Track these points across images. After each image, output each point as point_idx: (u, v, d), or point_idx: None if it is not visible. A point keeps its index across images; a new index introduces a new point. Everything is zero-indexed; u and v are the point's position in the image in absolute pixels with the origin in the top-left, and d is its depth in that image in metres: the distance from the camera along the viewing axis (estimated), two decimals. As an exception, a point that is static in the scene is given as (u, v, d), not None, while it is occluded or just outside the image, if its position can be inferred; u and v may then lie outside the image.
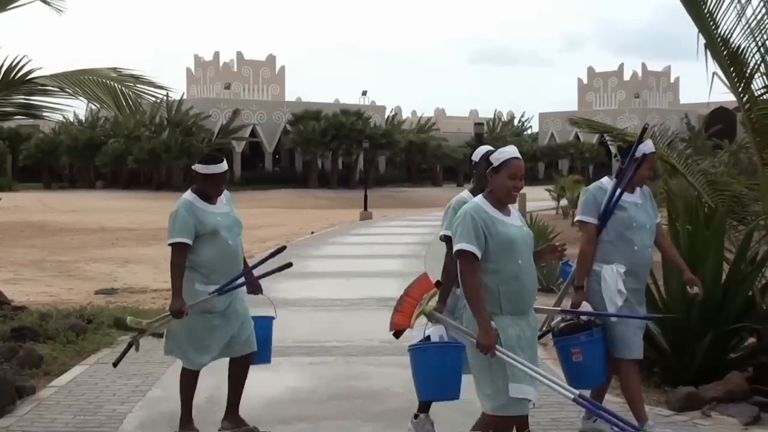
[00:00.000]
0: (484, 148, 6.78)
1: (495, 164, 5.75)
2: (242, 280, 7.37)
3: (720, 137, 48.35)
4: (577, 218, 7.19)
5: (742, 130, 9.68)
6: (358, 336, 11.47)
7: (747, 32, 8.84)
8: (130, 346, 7.44)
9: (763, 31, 8.85)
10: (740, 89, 8.97)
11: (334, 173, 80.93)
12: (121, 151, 74.29)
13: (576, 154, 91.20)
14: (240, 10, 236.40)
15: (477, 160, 6.82)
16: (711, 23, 8.83)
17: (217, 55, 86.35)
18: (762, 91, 9.07)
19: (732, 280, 8.73)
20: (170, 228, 7.15)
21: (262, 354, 7.59)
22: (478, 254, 5.63)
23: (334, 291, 15.84)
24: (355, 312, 13.55)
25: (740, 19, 8.81)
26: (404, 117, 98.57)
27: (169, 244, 7.14)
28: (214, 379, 9.04)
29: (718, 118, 73.36)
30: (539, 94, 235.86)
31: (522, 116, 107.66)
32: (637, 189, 7.19)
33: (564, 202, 41.99)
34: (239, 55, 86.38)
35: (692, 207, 9.17)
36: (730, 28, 8.84)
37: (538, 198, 47.32)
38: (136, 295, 15.60)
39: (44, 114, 11.93)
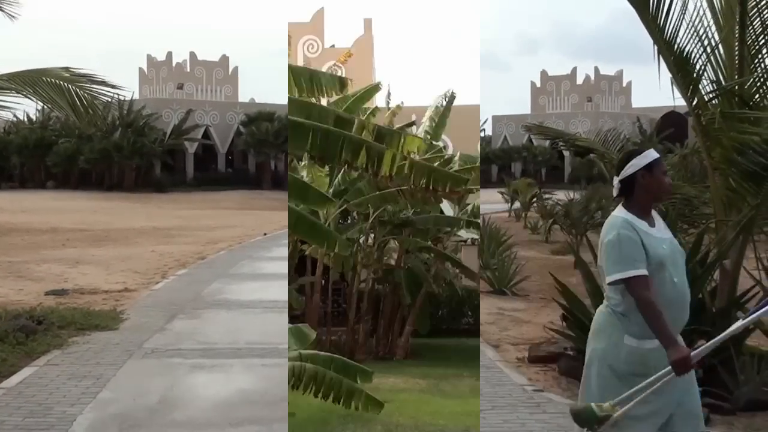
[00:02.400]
0: None
1: None
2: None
3: (672, 141, 48.81)
4: None
5: (693, 134, 9.76)
6: (310, 338, 11.43)
7: (693, 36, 8.91)
8: None
9: (708, 34, 8.94)
10: (689, 93, 9.05)
11: (287, 175, 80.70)
12: (72, 151, 73.55)
13: (529, 157, 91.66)
14: (193, 11, 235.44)
15: None
16: (656, 27, 8.88)
17: (170, 55, 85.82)
18: (711, 95, 9.16)
19: (682, 283, 8.80)
20: (614, 258, 4.98)
21: None
22: None
23: (287, 293, 15.77)
24: (308, 314, 13.50)
25: (682, 21, 8.86)
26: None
27: (621, 280, 4.94)
28: (166, 380, 9.00)
29: (670, 122, 74.20)
30: (493, 96, 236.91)
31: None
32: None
33: (517, 204, 42.18)
34: (192, 55, 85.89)
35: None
36: (674, 31, 8.89)
37: (492, 201, 47.55)
38: (87, 296, 15.44)
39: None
